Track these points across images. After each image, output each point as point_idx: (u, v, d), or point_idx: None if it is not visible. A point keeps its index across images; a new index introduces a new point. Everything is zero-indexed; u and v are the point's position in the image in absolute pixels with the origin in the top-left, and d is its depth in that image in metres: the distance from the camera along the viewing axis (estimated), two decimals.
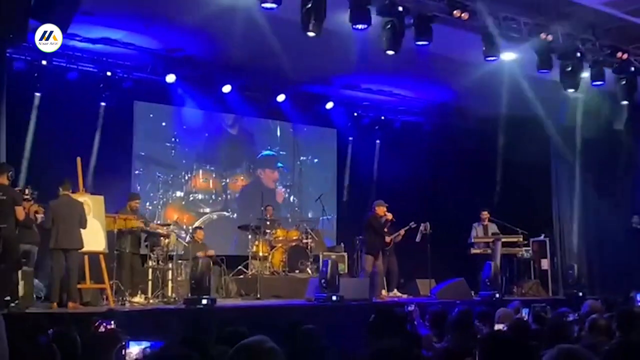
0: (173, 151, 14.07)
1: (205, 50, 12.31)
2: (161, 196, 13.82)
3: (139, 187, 13.29)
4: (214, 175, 14.63)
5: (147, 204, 13.45)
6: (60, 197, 9.32)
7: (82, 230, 9.21)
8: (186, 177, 14.24)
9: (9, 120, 9.18)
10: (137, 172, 13.55)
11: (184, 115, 14.09)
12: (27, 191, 9.02)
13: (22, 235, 9.09)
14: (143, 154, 13.68)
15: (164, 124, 14.00)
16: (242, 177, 15.00)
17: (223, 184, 14.74)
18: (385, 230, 12.01)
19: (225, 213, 14.63)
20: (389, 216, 11.90)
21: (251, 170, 15.16)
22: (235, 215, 14.62)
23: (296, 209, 15.52)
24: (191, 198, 14.31)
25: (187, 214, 14.12)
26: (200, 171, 14.44)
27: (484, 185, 15.15)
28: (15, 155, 9.37)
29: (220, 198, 14.67)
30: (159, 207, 13.78)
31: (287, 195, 15.52)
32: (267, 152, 15.18)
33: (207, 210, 14.44)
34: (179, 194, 14.13)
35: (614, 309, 6.93)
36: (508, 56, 11.14)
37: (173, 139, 14.05)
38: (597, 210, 14.31)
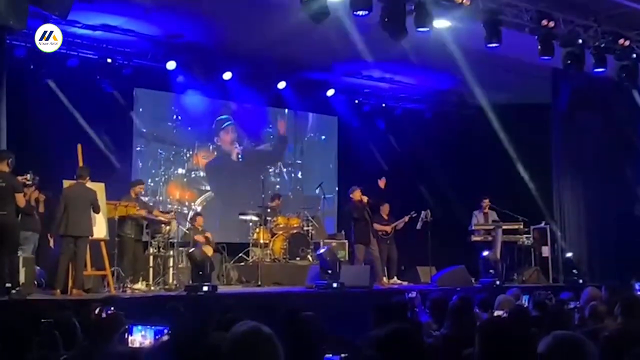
0: (174, 130, 14.08)
1: (205, 36, 12.27)
2: (163, 173, 13.87)
3: (140, 164, 13.42)
4: (215, 153, 14.62)
5: (149, 180, 13.52)
6: (74, 184, 9.35)
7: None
8: (187, 155, 14.26)
9: (10, 107, 9.17)
10: (138, 148, 13.56)
11: (184, 103, 14.08)
12: (28, 177, 9.00)
13: (23, 222, 9.12)
14: (144, 130, 13.68)
15: (164, 110, 13.98)
16: (248, 155, 15.00)
17: None
18: (367, 214, 11.94)
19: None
20: (365, 199, 11.85)
21: (252, 147, 15.13)
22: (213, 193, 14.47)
23: (298, 188, 15.57)
24: (193, 175, 14.36)
25: (188, 191, 14.20)
26: (202, 149, 14.45)
27: (484, 172, 15.13)
28: (16, 142, 9.34)
29: None
30: (161, 184, 13.84)
31: (289, 179, 15.55)
32: (220, 117, 14.84)
33: (209, 187, 14.48)
34: (180, 171, 14.17)
35: (618, 295, 6.95)
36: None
37: (174, 117, 14.04)
38: (598, 197, 14.27)
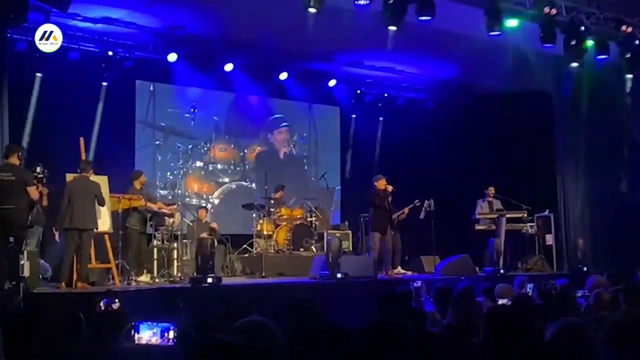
0: (192, 123, 14.18)
1: (206, 28, 12.24)
2: (181, 166, 13.98)
3: (159, 157, 13.57)
4: (232, 146, 14.79)
5: (168, 173, 13.75)
6: (78, 177, 9.35)
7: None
8: (205, 148, 14.37)
9: (11, 101, 9.16)
10: (157, 142, 13.67)
11: (198, 96, 14.15)
12: (38, 169, 8.95)
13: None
14: (163, 124, 13.81)
15: (180, 104, 14.05)
16: (259, 147, 15.17)
17: (241, 154, 14.91)
18: (388, 203, 11.89)
19: (243, 183, 14.84)
20: (390, 188, 11.80)
21: (268, 139, 15.31)
22: (253, 184, 14.78)
23: (313, 179, 15.63)
24: (210, 168, 14.49)
25: (207, 183, 14.37)
26: (219, 141, 14.59)
27: (487, 161, 15.12)
28: (18, 135, 9.35)
29: (238, 168, 14.87)
30: (179, 177, 13.95)
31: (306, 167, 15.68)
32: (276, 115, 15.26)
33: (227, 180, 14.64)
34: (198, 163, 14.29)
35: (621, 282, 6.95)
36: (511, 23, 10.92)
37: (191, 109, 14.12)
38: (602, 185, 14.22)
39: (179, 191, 13.78)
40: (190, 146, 14.09)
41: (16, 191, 8.19)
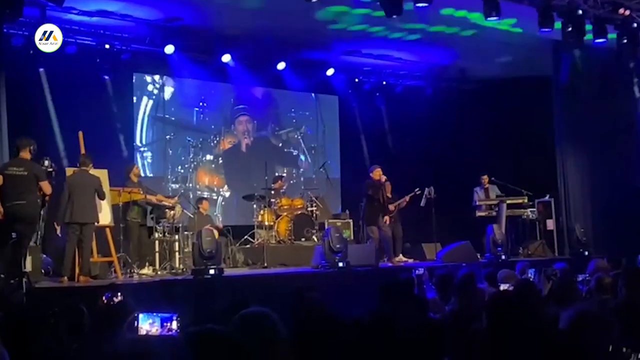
0: (202, 116, 14.19)
1: (203, 19, 12.21)
2: (192, 160, 13.98)
3: (170, 152, 13.56)
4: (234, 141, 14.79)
5: (179, 167, 13.77)
6: (78, 171, 9.34)
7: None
8: (215, 141, 14.40)
9: (9, 95, 9.15)
10: (168, 137, 13.60)
11: (207, 89, 14.17)
12: (46, 163, 8.92)
13: None
14: (173, 119, 13.83)
15: (190, 97, 14.04)
16: (272, 139, 15.15)
17: None
18: (383, 194, 11.87)
19: None
20: (383, 178, 11.82)
21: (276, 133, 15.27)
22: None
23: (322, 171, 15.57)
24: (220, 161, 14.51)
25: (217, 176, 14.40)
26: (228, 134, 14.60)
27: (487, 147, 15.11)
28: (16, 130, 9.33)
29: None
30: (190, 170, 13.95)
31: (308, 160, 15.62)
32: (238, 106, 15.00)
33: None
34: (208, 157, 14.33)
35: (621, 266, 6.97)
36: None
37: (200, 103, 14.13)
38: (602, 169, 14.20)
39: (190, 185, 13.81)
40: (200, 140, 14.07)
41: (28, 186, 8.16)
